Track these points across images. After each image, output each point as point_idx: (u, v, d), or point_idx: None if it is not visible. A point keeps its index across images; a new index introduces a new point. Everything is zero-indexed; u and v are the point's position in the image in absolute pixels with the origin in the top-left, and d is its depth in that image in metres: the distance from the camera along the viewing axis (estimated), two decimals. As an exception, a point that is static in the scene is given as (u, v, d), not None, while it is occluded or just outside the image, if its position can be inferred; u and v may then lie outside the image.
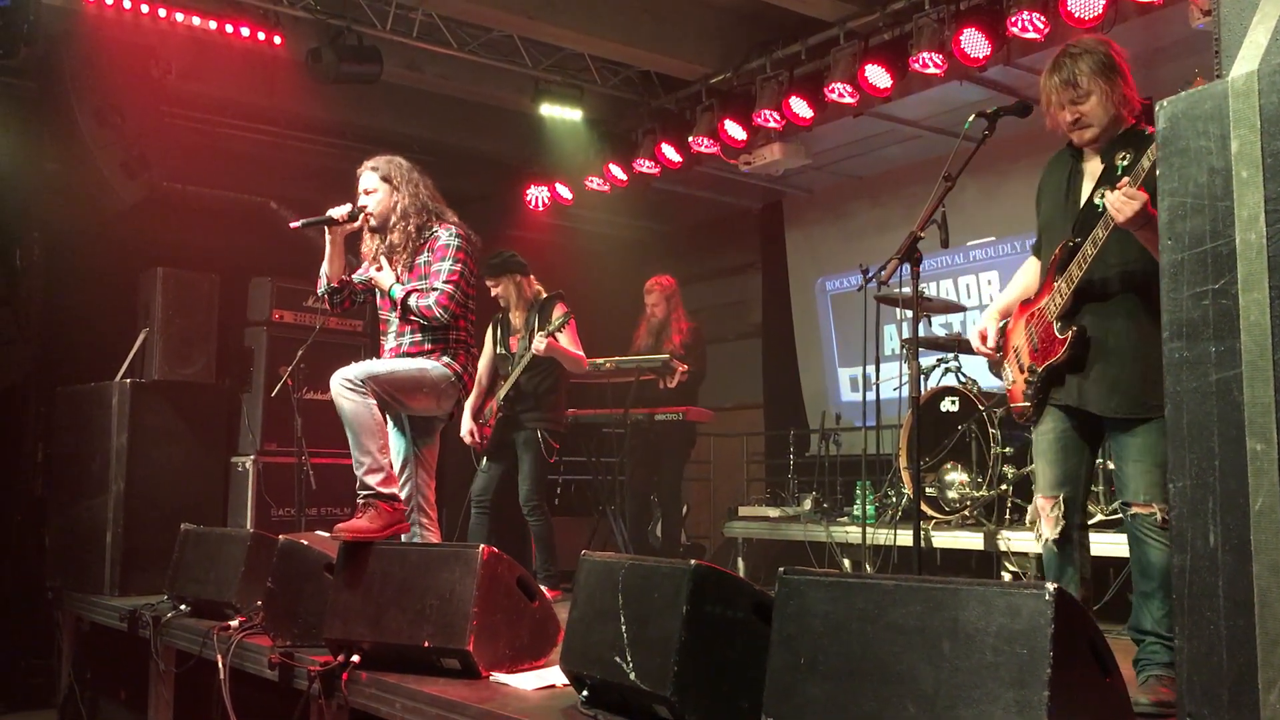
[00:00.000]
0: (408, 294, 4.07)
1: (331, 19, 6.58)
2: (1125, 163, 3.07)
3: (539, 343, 5.48)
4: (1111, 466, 4.73)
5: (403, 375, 4.04)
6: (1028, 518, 3.38)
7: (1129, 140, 3.11)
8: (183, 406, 6.15)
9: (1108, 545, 4.79)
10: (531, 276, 5.91)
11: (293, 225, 4.25)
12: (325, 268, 4.27)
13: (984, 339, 3.37)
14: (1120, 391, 3.03)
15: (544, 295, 5.90)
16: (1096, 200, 3.09)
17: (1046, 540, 3.18)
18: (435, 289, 4.06)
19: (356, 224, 4.21)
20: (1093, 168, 3.19)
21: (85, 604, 5.78)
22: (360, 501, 3.89)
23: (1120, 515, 4.08)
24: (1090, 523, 5.17)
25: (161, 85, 6.75)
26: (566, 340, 5.66)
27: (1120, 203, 2.85)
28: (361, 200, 4.22)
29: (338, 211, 4.16)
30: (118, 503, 5.82)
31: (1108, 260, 3.05)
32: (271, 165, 7.82)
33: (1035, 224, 3.42)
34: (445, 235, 4.18)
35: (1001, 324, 3.43)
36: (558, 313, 5.68)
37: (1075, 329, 3.09)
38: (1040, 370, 3.19)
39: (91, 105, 6.49)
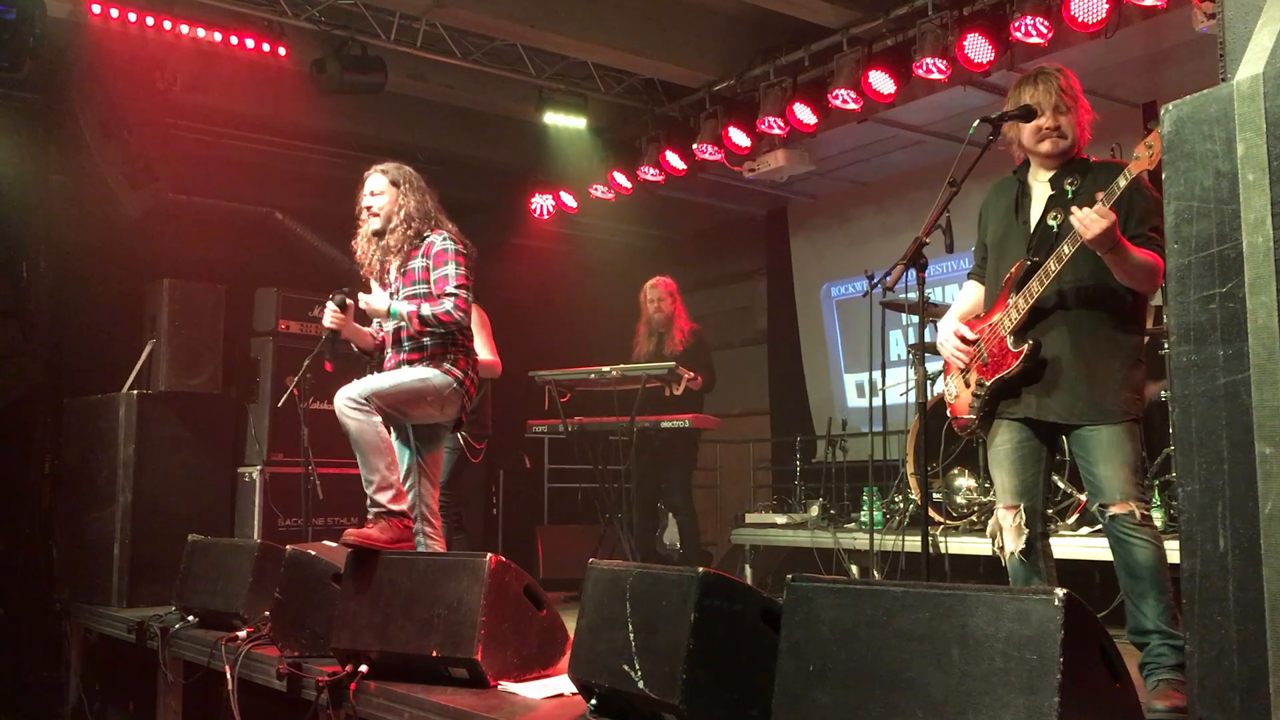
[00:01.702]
0: (420, 304, 4.05)
1: (335, 30, 6.60)
2: (1074, 187, 3.15)
3: None
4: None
5: (406, 387, 4.02)
6: (988, 532, 3.38)
7: (1076, 167, 3.20)
8: (189, 417, 6.15)
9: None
10: None
11: (329, 369, 4.26)
12: (353, 347, 4.33)
13: (963, 339, 3.36)
14: (1081, 400, 3.07)
15: None
16: (1050, 221, 3.16)
17: (1012, 553, 3.19)
18: (448, 294, 4.05)
19: (348, 311, 4.21)
20: (1040, 191, 3.25)
21: (93, 615, 5.78)
22: (370, 517, 3.90)
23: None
24: (1096, 526, 5.17)
25: (166, 97, 6.78)
26: (478, 344, 5.44)
27: (1090, 220, 2.87)
28: (366, 201, 4.23)
29: (330, 319, 4.18)
30: (125, 514, 5.82)
31: (1063, 277, 3.09)
32: (276, 176, 7.83)
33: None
34: (440, 240, 4.18)
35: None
36: None
37: (1030, 343, 3.12)
38: (989, 384, 3.22)
39: (97, 117, 6.51)
